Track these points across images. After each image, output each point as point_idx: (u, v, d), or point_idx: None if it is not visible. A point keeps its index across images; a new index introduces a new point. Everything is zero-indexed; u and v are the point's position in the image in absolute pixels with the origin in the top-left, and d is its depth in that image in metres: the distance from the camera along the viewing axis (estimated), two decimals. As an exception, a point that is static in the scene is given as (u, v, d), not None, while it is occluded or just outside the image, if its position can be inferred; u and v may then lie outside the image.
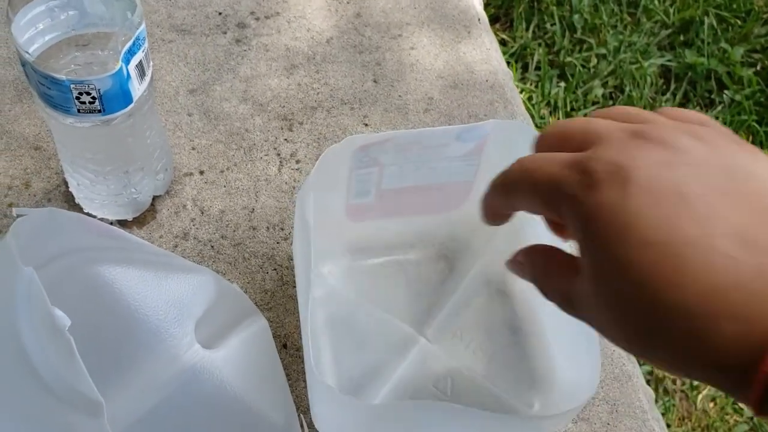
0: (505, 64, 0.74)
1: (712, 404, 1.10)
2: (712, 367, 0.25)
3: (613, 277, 0.27)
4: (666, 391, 1.09)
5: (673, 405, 1.08)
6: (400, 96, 0.67)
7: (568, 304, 0.30)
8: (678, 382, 1.11)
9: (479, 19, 0.74)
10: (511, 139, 0.45)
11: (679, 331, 0.25)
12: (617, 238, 0.26)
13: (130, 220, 0.55)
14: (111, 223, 0.55)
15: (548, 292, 0.31)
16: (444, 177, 0.50)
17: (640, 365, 0.63)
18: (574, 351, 0.46)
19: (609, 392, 0.52)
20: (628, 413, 0.52)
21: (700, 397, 1.09)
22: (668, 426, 1.07)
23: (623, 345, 0.28)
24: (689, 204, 0.26)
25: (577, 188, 0.27)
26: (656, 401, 1.08)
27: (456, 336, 0.51)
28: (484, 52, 0.72)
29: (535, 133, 0.38)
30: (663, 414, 1.07)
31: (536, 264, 0.32)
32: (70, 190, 0.55)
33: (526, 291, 0.48)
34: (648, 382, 1.11)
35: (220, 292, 0.47)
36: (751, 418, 1.09)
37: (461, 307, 0.53)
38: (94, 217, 0.55)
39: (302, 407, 0.49)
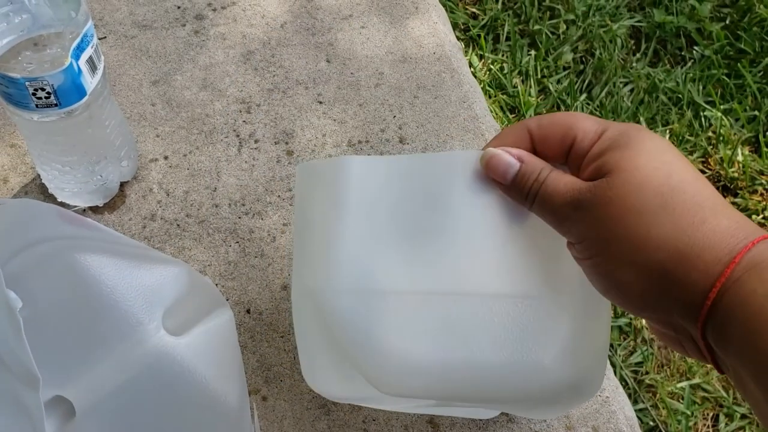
0: (453, 37, 0.77)
1: (689, 350, 1.14)
2: (684, 277, 0.33)
3: (632, 196, 0.35)
4: (644, 341, 1.14)
5: (652, 354, 1.12)
6: (352, 73, 0.70)
7: (562, 204, 0.37)
8: (656, 331, 1.15)
9: (426, -5, 0.78)
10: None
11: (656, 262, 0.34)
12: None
13: (101, 205, 0.60)
14: (84, 210, 0.59)
15: (536, 187, 0.39)
16: None
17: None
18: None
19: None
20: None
21: (677, 344, 1.13)
22: (647, 373, 1.11)
23: (605, 254, 0.36)
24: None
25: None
26: (635, 350, 1.12)
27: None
28: (431, 26, 0.75)
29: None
30: (641, 363, 1.12)
31: (528, 158, 0.40)
32: (43, 182, 0.59)
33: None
34: (626, 332, 1.15)
35: (191, 284, 0.50)
36: (728, 361, 1.13)
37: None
38: (68, 205, 0.59)
39: (257, 383, 0.53)
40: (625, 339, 1.14)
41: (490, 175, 0.41)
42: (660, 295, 0.34)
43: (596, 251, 0.36)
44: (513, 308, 0.41)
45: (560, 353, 0.41)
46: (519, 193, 0.40)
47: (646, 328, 1.15)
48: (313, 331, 0.44)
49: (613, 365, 1.10)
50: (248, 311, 0.56)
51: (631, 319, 1.15)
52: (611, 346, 1.13)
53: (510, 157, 0.40)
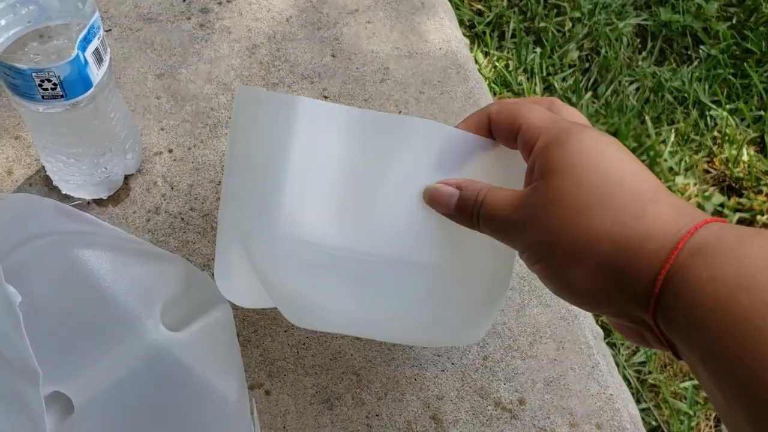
0: (459, 32, 0.77)
1: (692, 350, 1.14)
2: (631, 267, 0.33)
3: (567, 192, 0.36)
4: (647, 340, 1.14)
5: (655, 353, 1.12)
6: (357, 68, 0.70)
7: (501, 219, 0.38)
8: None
9: (433, -10, 0.78)
10: None
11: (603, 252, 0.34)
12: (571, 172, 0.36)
13: (105, 198, 0.59)
14: (88, 203, 0.59)
15: (477, 207, 0.40)
16: None
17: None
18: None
19: (556, 331, 0.56)
20: (574, 349, 0.56)
21: (680, 343, 1.13)
22: (649, 373, 1.11)
23: (551, 257, 0.36)
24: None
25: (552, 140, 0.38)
26: (638, 350, 1.12)
27: None
28: (438, 22, 0.75)
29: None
30: (644, 362, 1.12)
31: (465, 183, 0.41)
32: (47, 174, 0.59)
33: None
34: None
35: (189, 280, 0.50)
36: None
37: None
38: (72, 197, 0.59)
39: (260, 377, 0.53)
40: (628, 338, 1.14)
41: (436, 209, 0.42)
42: (610, 290, 0.34)
43: (542, 256, 0.37)
44: (419, 275, 0.44)
45: (453, 321, 0.48)
46: (465, 218, 0.41)
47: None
48: (237, 254, 0.46)
49: (617, 364, 1.10)
50: (252, 305, 0.55)
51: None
52: (614, 345, 1.12)
53: (448, 188, 0.42)
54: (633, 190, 0.35)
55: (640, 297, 0.33)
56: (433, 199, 0.42)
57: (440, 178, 0.43)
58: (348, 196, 0.43)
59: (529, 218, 0.37)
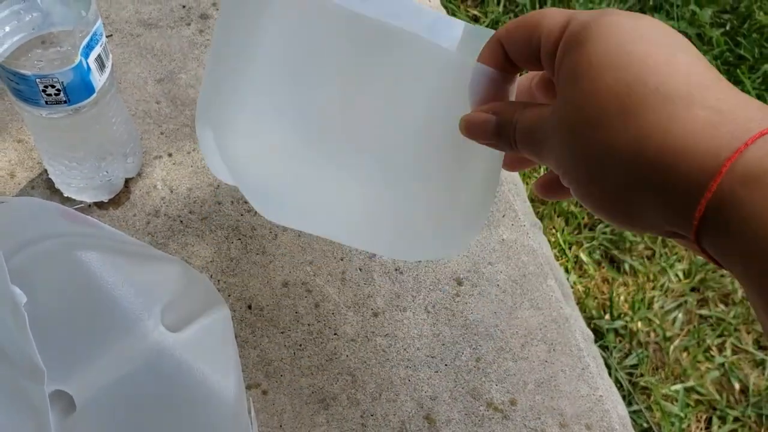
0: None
1: (684, 354, 1.15)
2: (661, 189, 0.28)
3: (583, 103, 0.30)
4: (639, 343, 1.15)
5: (647, 356, 1.13)
6: (354, 74, 0.71)
7: (532, 136, 0.34)
8: (651, 333, 1.16)
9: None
10: None
11: (638, 155, 0.28)
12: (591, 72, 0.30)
13: (106, 201, 0.61)
14: (89, 205, 0.60)
15: (513, 129, 0.36)
16: None
17: (582, 312, 0.68)
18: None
19: (547, 333, 0.58)
20: (565, 351, 0.57)
21: (672, 347, 1.14)
22: (641, 375, 1.12)
23: (577, 176, 0.32)
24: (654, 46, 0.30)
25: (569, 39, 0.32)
26: (630, 353, 1.13)
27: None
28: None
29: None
30: (636, 365, 1.13)
31: (500, 108, 0.37)
32: (50, 176, 0.60)
33: None
34: (622, 335, 1.16)
35: (188, 281, 0.51)
36: (722, 365, 1.14)
37: None
38: (74, 200, 0.60)
39: (257, 377, 0.54)
40: (620, 341, 1.15)
41: (473, 138, 0.38)
42: (646, 209, 0.30)
43: (569, 174, 0.33)
44: (381, 193, 0.44)
45: (427, 228, 0.47)
46: (504, 143, 0.37)
47: (642, 331, 1.16)
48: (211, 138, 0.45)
49: (608, 367, 1.11)
50: (249, 307, 0.57)
51: (626, 321, 1.16)
52: (606, 348, 1.14)
53: (484, 115, 0.37)
54: (659, 89, 0.28)
55: (677, 221, 0.29)
56: (469, 129, 0.38)
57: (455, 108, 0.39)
58: (322, 101, 0.41)
59: (553, 135, 0.32)
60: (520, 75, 0.40)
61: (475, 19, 1.56)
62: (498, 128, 0.37)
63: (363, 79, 0.40)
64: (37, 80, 0.47)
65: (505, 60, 0.37)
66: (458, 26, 0.43)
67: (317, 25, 0.39)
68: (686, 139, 0.27)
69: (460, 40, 0.43)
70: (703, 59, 0.29)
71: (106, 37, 0.72)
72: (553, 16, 0.33)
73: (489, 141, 0.38)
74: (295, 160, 0.43)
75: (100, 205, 0.61)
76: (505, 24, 0.36)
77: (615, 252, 1.23)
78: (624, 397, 1.10)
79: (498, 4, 1.58)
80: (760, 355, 1.16)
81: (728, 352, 1.16)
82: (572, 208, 1.26)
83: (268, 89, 0.41)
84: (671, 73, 0.28)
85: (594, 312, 1.16)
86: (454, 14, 1.53)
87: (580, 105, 0.30)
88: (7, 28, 0.48)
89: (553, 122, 0.32)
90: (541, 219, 1.17)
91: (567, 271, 1.21)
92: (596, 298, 1.19)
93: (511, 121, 0.36)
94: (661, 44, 0.30)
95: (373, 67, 0.40)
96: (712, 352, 1.16)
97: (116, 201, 0.61)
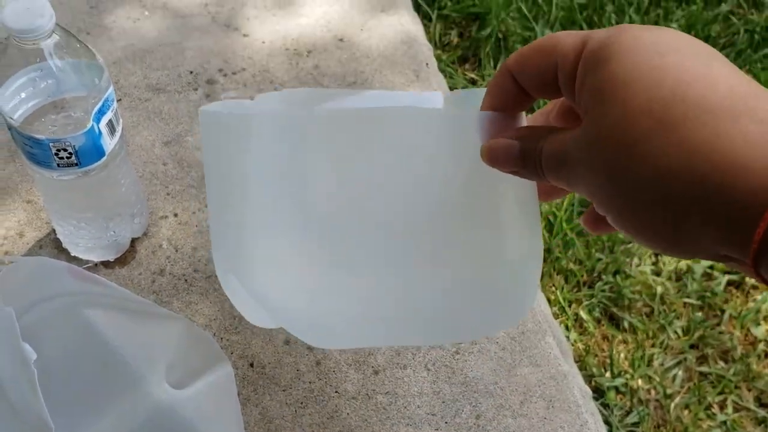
0: (452, 102, 0.81)
1: (686, 411, 1.15)
2: (715, 211, 0.26)
3: (614, 123, 0.28)
4: (640, 401, 1.14)
5: (648, 414, 1.13)
6: (355, 136, 0.74)
7: (559, 163, 0.32)
8: (652, 391, 1.16)
9: (427, 64, 0.82)
10: None
11: (688, 181, 0.26)
12: (622, 93, 0.28)
13: (113, 260, 0.62)
14: (96, 265, 0.62)
15: (538, 155, 0.33)
16: None
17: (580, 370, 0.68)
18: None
19: (546, 390, 0.58)
20: (564, 408, 0.58)
21: (673, 405, 1.14)
22: (643, 434, 1.11)
23: (612, 201, 0.30)
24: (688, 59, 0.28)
25: (589, 61, 0.30)
26: (631, 410, 1.13)
27: None
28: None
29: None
30: (637, 423, 1.12)
31: (524, 132, 0.35)
32: (57, 236, 0.62)
33: None
34: (623, 392, 1.16)
35: (191, 339, 0.52)
36: (724, 422, 1.14)
37: None
38: (81, 260, 0.61)
39: None
40: (621, 399, 1.15)
41: (495, 166, 0.36)
42: (696, 233, 0.27)
43: (604, 201, 0.30)
44: (430, 272, 0.41)
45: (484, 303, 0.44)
46: (530, 171, 0.35)
47: (642, 389, 1.16)
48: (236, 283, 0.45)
49: (610, 425, 1.11)
50: (251, 365, 0.57)
51: (627, 379, 1.16)
52: (607, 405, 1.13)
53: (506, 141, 0.35)
54: (699, 103, 0.26)
55: (735, 242, 0.26)
56: (491, 156, 0.36)
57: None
58: (333, 206, 0.40)
59: (582, 160, 0.30)
60: (527, 114, 0.39)
61: (473, 82, 1.60)
62: (522, 153, 0.34)
63: (364, 167, 0.39)
64: (51, 144, 0.49)
65: (516, 91, 0.35)
66: (438, 96, 0.44)
67: (303, 134, 0.39)
68: (738, 156, 0.25)
69: (444, 101, 0.44)
70: (737, 68, 0.28)
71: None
72: (567, 37, 0.32)
73: (513, 168, 0.35)
74: (331, 278, 0.41)
75: (106, 264, 0.62)
76: (514, 53, 0.34)
77: (614, 309, 1.24)
78: (626, 457, 1.10)
79: (495, 67, 1.62)
80: (761, 412, 1.16)
81: (729, 409, 1.16)
82: (571, 266, 1.27)
83: (275, 219, 0.40)
84: (711, 86, 0.27)
85: (594, 369, 1.16)
86: (452, 77, 1.57)
87: (611, 125, 0.28)
88: (23, 95, 0.50)
89: (581, 145, 0.30)
90: (540, 277, 1.18)
91: (567, 328, 1.22)
92: (597, 355, 1.19)
93: (536, 146, 0.33)
94: (690, 55, 0.28)
95: (369, 152, 0.39)
96: (713, 410, 1.15)
97: (122, 260, 0.62)
